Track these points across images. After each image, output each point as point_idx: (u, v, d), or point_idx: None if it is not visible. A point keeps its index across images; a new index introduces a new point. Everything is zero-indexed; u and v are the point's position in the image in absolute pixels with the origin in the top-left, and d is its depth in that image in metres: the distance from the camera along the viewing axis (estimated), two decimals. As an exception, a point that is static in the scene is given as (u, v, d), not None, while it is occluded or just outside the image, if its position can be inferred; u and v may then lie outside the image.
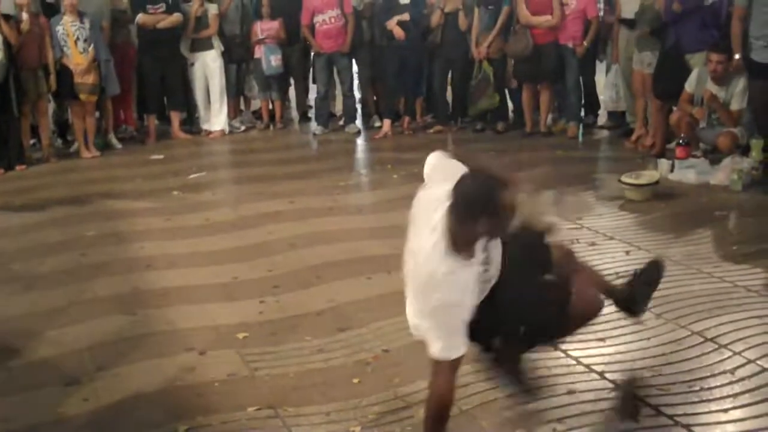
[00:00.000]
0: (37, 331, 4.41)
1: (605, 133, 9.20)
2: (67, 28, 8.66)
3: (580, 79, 9.02)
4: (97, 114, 9.23)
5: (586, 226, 5.82)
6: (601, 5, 9.23)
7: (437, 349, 2.80)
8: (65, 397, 3.69)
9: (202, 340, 4.21)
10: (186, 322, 4.46)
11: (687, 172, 6.96)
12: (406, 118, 9.76)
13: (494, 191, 2.71)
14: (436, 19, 9.29)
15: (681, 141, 7.19)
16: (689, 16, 7.52)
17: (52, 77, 8.69)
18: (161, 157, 8.99)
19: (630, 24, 8.29)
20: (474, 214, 2.71)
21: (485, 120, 9.54)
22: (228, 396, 3.62)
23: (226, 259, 5.49)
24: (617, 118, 9.27)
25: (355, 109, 10.27)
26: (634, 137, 8.41)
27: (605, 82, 9.30)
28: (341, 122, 10.15)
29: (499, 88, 9.28)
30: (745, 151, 6.99)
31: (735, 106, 7.04)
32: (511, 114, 9.77)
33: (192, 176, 7.98)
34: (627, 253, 5.24)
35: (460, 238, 2.75)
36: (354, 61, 9.95)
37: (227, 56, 9.83)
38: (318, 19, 9.51)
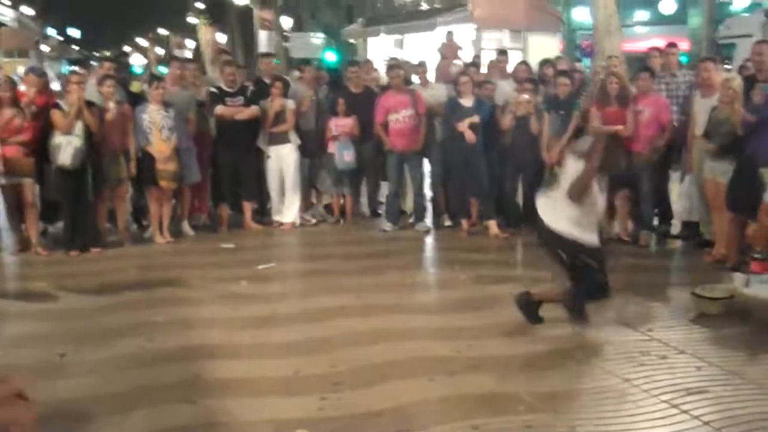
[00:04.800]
0: (99, 415, 4.46)
1: (678, 243, 9.03)
2: (153, 116, 8.97)
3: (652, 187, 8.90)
4: (172, 201, 9.46)
5: (656, 338, 5.67)
6: (677, 115, 9.16)
7: None
8: (122, 485, 3.68)
9: (261, 435, 4.18)
10: (246, 415, 4.44)
11: (764, 287, 6.75)
12: (473, 219, 9.77)
13: None
14: (507, 122, 9.36)
15: (757, 255, 7.02)
16: (764, 128, 7.44)
17: (133, 163, 8.97)
18: (232, 246, 9.12)
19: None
20: None
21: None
22: (283, 494, 3.57)
23: (290, 352, 5.50)
24: (691, 228, 9.10)
25: (425, 208, 10.32)
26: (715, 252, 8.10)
27: (679, 192, 9.19)
28: (411, 220, 10.20)
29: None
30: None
31: (813, 220, 6.87)
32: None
33: (261, 267, 8.06)
34: (698, 368, 5.08)
35: None
36: (426, 160, 10.07)
37: (301, 150, 10.03)
38: (392, 117, 9.68)
